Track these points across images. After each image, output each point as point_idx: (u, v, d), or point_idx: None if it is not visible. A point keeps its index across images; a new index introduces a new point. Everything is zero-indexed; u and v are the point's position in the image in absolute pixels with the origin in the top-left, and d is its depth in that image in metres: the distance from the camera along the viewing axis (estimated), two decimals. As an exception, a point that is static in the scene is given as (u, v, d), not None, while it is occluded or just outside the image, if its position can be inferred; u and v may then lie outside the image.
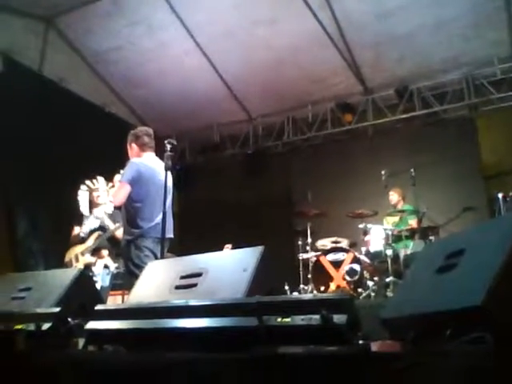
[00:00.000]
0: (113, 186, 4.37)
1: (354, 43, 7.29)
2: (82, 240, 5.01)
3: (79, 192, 5.06)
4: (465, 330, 1.34)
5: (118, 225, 4.79)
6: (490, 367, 1.16)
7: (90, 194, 5.02)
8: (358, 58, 7.55)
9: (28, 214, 6.53)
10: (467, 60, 7.31)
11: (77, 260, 4.96)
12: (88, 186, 4.92)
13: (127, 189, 3.88)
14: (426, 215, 5.96)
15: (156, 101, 8.38)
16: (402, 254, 5.91)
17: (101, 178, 4.68)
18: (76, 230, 5.12)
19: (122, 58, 7.67)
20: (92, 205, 5.10)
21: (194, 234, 7.96)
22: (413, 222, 6.39)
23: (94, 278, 4.65)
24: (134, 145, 4.17)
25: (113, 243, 4.95)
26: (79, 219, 5.18)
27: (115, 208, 4.41)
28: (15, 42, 6.63)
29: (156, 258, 3.68)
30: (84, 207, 5.08)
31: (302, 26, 6.99)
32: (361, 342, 1.55)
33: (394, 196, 6.68)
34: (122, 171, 4.09)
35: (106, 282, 4.92)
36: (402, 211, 6.30)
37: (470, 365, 1.20)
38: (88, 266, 4.82)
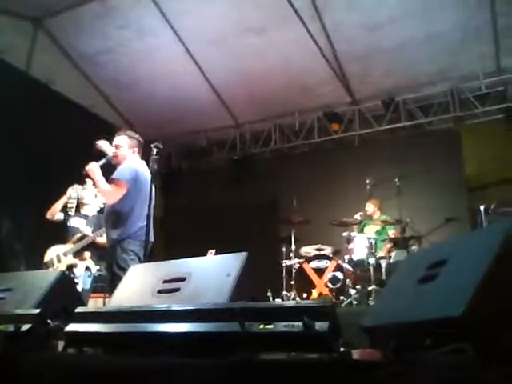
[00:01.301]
0: (87, 175, 4.22)
1: (343, 54, 7.36)
2: (61, 223, 4.98)
3: (68, 192, 5.03)
4: (445, 341, 1.35)
5: (98, 232, 4.77)
6: (469, 378, 1.18)
7: (77, 196, 4.99)
8: (346, 69, 7.62)
9: (11, 214, 6.44)
10: (453, 74, 7.42)
11: (59, 260, 4.91)
12: (75, 189, 4.89)
13: (124, 188, 3.86)
14: (409, 225, 6.02)
15: (144, 104, 8.35)
16: (384, 263, 5.96)
17: (89, 181, 4.63)
18: (51, 211, 5.08)
19: (110, 61, 7.63)
20: (78, 204, 5.07)
21: (178, 239, 7.94)
22: (391, 233, 6.46)
23: (76, 280, 4.61)
24: (127, 145, 4.13)
25: (94, 247, 4.93)
26: (66, 218, 5.16)
27: (99, 212, 4.37)
28: (3, 41, 6.57)
29: (140, 262, 3.65)
30: (71, 208, 5.05)
31: (291, 35, 7.04)
32: (342, 349, 1.56)
33: (370, 207, 6.77)
34: (99, 161, 4.02)
35: (88, 285, 4.88)
36: (384, 221, 6.35)
37: (449, 375, 1.21)
38: (70, 268, 4.78)
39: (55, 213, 5.17)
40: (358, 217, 6.52)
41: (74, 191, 4.97)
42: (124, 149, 4.13)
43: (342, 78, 7.73)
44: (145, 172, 4.02)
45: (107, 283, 4.04)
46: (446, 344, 1.34)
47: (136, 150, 4.16)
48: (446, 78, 7.49)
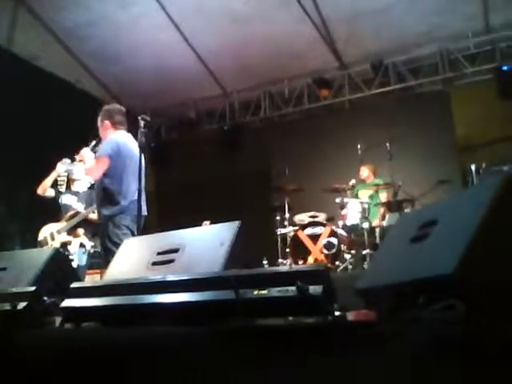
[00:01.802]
0: (80, 161, 4.25)
1: (330, 18, 7.24)
2: (53, 199, 4.97)
3: (57, 168, 4.98)
4: (437, 299, 1.37)
5: (90, 209, 4.76)
6: (460, 334, 1.19)
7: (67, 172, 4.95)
8: (333, 33, 7.52)
9: (3, 194, 6.40)
10: (441, 34, 7.34)
11: (52, 238, 4.91)
12: (65, 163, 4.84)
13: (105, 162, 3.82)
14: (401, 188, 6.04)
15: (130, 77, 8.22)
16: (377, 226, 6.01)
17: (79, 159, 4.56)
18: (42, 186, 5.06)
19: (94, 34, 7.47)
20: (69, 181, 5.04)
21: (171, 211, 7.94)
22: (383, 196, 6.50)
23: (70, 257, 4.61)
24: (107, 122, 4.09)
25: (87, 224, 4.92)
26: (58, 195, 5.13)
27: (89, 188, 4.35)
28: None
29: (133, 236, 3.65)
30: (61, 185, 5.01)
31: (277, 0, 6.90)
32: (337, 312, 1.58)
33: (364, 171, 6.78)
34: (90, 144, 4.03)
35: (83, 261, 4.89)
36: (377, 185, 6.37)
37: (440, 332, 1.22)
38: (64, 245, 4.78)
39: (46, 188, 5.13)
40: (351, 183, 6.54)
41: (63, 166, 4.92)
42: (104, 127, 4.09)
43: (329, 42, 7.63)
44: (129, 144, 3.97)
45: (102, 259, 4.05)
46: (439, 301, 1.36)
47: (118, 123, 4.08)
48: (434, 38, 7.40)
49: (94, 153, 4.03)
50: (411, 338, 1.25)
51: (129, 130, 4.16)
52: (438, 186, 5.78)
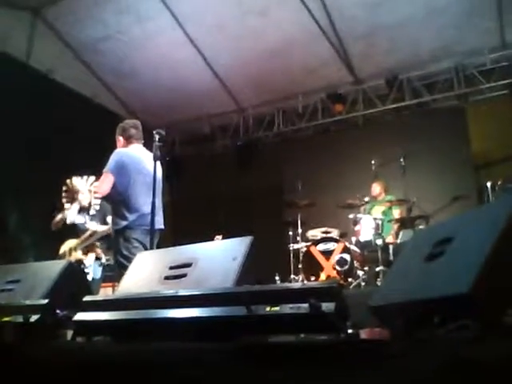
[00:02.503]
0: (95, 192, 4.26)
1: (345, 33, 7.27)
2: (71, 232, 4.97)
3: (63, 193, 4.99)
4: (452, 318, 1.35)
5: (106, 227, 4.75)
6: (476, 355, 1.17)
7: (71, 192, 4.92)
8: (348, 49, 7.53)
9: (19, 207, 6.47)
10: (457, 49, 7.32)
11: (70, 254, 4.93)
12: (67, 185, 4.84)
13: (111, 179, 3.83)
14: (416, 204, 5.98)
15: (145, 92, 8.31)
16: (391, 243, 5.96)
17: (77, 179, 4.47)
18: (58, 220, 5.06)
19: (110, 49, 7.58)
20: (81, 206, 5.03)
21: (184, 225, 7.95)
22: (396, 212, 6.44)
23: (86, 270, 4.62)
24: (120, 137, 4.12)
25: (103, 237, 4.93)
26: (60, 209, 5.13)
27: (102, 201, 4.34)
28: (2, 32, 6.53)
29: (145, 249, 3.65)
30: (66, 203, 5.01)
31: (292, 16, 6.96)
32: (350, 330, 1.56)
33: (375, 188, 6.72)
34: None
35: (98, 274, 4.89)
36: (391, 201, 6.32)
37: (454, 352, 1.20)
38: (79, 262, 4.79)
39: (58, 226, 5.11)
40: (366, 199, 6.51)
41: (71, 215, 4.94)
42: (119, 141, 4.13)
43: (344, 57, 7.65)
44: (139, 158, 3.97)
45: (115, 272, 4.05)
46: (453, 321, 1.34)
47: (132, 138, 4.08)
48: (449, 54, 7.38)
49: None
50: (425, 357, 1.23)
51: (144, 145, 4.19)
52: (453, 202, 5.71)
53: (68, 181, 4.63)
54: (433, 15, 6.73)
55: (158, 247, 3.81)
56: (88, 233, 4.94)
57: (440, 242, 1.66)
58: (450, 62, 7.52)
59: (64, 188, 4.69)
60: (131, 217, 3.79)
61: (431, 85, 7.82)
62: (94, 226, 4.91)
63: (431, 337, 1.34)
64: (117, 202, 3.88)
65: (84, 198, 4.73)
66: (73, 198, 4.77)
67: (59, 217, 4.98)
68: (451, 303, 1.36)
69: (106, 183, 3.84)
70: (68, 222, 4.96)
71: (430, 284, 1.53)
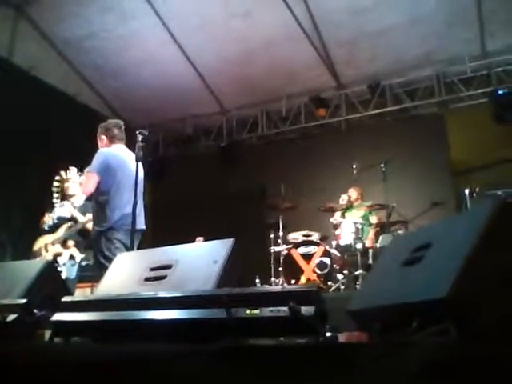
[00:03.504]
0: (81, 184, 4.28)
1: (329, 39, 7.33)
2: (50, 229, 4.92)
3: (54, 182, 4.96)
4: (430, 322, 1.37)
5: (88, 217, 4.72)
6: (453, 359, 1.19)
7: (62, 184, 4.92)
8: (332, 54, 7.60)
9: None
10: (438, 58, 7.44)
11: (46, 250, 4.86)
12: (61, 176, 4.82)
13: (95, 178, 3.81)
14: (395, 209, 6.05)
15: (129, 91, 8.26)
16: (370, 248, 6.01)
17: (73, 169, 4.56)
18: (46, 217, 5.03)
19: (94, 47, 7.53)
20: (64, 195, 5.00)
21: (166, 226, 7.90)
22: (375, 218, 6.50)
23: (59, 269, 4.56)
24: (103, 136, 4.10)
25: (83, 235, 4.88)
26: (51, 208, 5.09)
27: (86, 200, 4.32)
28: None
29: (127, 250, 3.63)
30: (56, 197, 4.98)
31: (276, 19, 6.99)
32: (328, 333, 1.57)
33: (353, 193, 6.77)
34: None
35: (72, 274, 4.83)
36: (371, 205, 6.37)
37: (433, 357, 1.22)
38: (57, 256, 4.74)
39: (47, 223, 5.09)
40: (342, 201, 6.56)
41: (54, 214, 4.91)
42: (102, 140, 4.11)
43: (327, 62, 7.71)
44: (122, 158, 3.96)
45: (94, 272, 4.02)
46: (431, 325, 1.36)
47: (114, 138, 4.07)
48: (431, 61, 7.50)
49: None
50: (403, 361, 1.24)
51: (127, 144, 4.17)
52: (431, 208, 5.80)
53: (62, 172, 4.62)
54: (415, 24, 6.83)
55: (138, 248, 3.79)
56: (68, 224, 4.89)
57: (419, 248, 1.68)
58: (432, 70, 7.65)
59: (57, 178, 4.66)
60: (114, 217, 3.77)
61: (413, 91, 7.93)
62: (76, 214, 4.85)
63: (409, 341, 1.36)
64: (100, 202, 3.85)
65: (72, 187, 4.72)
66: (63, 191, 4.76)
67: (49, 216, 4.95)
68: (429, 308, 1.38)
69: (90, 183, 3.82)
70: (56, 220, 4.93)
71: (408, 289, 1.55)
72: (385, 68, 7.67)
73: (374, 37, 7.09)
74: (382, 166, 6.17)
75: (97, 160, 3.87)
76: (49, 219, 4.96)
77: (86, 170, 4.04)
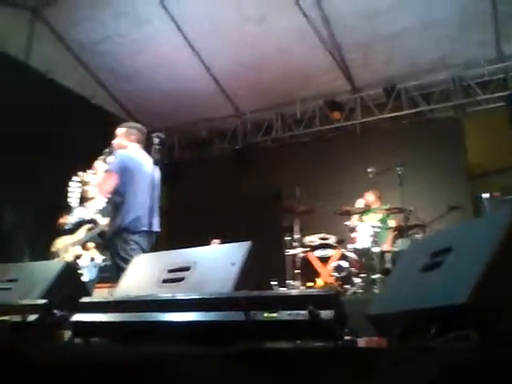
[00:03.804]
0: (94, 174, 4.27)
1: (343, 42, 7.32)
2: (69, 230, 4.97)
3: (70, 183, 5.01)
4: (451, 328, 1.36)
5: (107, 220, 4.76)
6: (474, 365, 1.18)
7: (82, 186, 4.97)
8: (346, 57, 7.59)
9: (14, 207, 6.46)
10: (455, 61, 7.38)
11: (66, 251, 4.91)
12: (80, 177, 4.87)
13: (114, 179, 3.81)
14: (413, 213, 6.00)
15: (144, 95, 8.32)
16: (388, 251, 5.97)
17: (91, 172, 4.58)
18: (65, 218, 5.08)
19: (109, 51, 7.60)
20: (83, 198, 5.06)
21: (181, 229, 7.93)
22: (393, 222, 6.45)
23: (80, 271, 4.61)
24: (122, 138, 4.11)
25: (103, 237, 4.92)
26: (68, 210, 5.15)
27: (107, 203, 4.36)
28: (1, 31, 6.53)
29: (143, 252, 3.65)
30: (73, 198, 5.03)
31: (291, 23, 7.00)
32: (347, 337, 1.57)
33: (370, 197, 6.72)
34: (102, 157, 4.05)
35: (93, 275, 4.88)
36: (388, 209, 6.33)
37: (453, 362, 1.21)
38: (78, 258, 4.79)
39: (64, 224, 5.15)
40: (358, 205, 6.52)
41: (74, 188, 4.95)
42: (119, 138, 4.10)
43: (342, 66, 7.70)
44: (140, 161, 3.97)
45: (112, 273, 4.05)
46: (451, 331, 1.35)
47: (134, 138, 4.10)
48: (447, 65, 7.45)
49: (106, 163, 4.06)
50: (423, 366, 1.24)
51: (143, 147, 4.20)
52: (448, 212, 5.74)
53: (80, 173, 4.65)
54: (430, 27, 6.79)
55: (152, 250, 3.80)
56: (88, 226, 4.94)
57: (438, 252, 1.67)
58: (447, 73, 7.59)
59: (75, 179, 4.68)
60: (130, 219, 3.77)
61: (429, 95, 7.88)
62: (96, 217, 4.89)
63: (429, 346, 1.35)
64: (116, 203, 3.86)
65: (92, 190, 4.75)
66: (82, 194, 4.80)
67: (68, 217, 5.00)
68: (449, 313, 1.37)
69: (108, 183, 3.83)
70: (74, 214, 4.98)
71: (427, 294, 1.54)
72: (400, 71, 7.63)
73: (388, 40, 7.06)
74: (398, 169, 6.13)
75: (115, 161, 3.89)
76: (68, 220, 5.02)
77: (98, 165, 4.05)
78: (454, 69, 7.51)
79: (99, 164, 4.05)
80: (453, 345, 1.33)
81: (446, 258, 1.59)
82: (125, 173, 3.84)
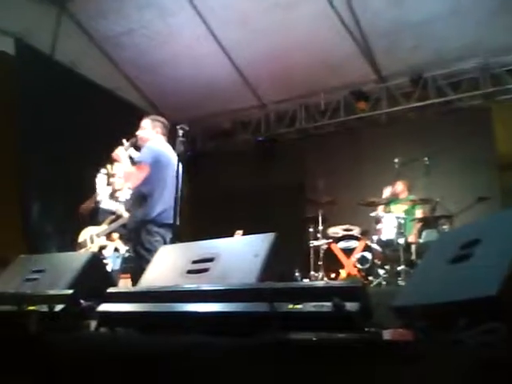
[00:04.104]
0: (115, 160, 4.28)
1: (369, 30, 7.19)
2: (93, 219, 5.05)
3: (97, 175, 5.10)
4: (479, 321, 1.33)
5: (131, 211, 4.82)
6: (503, 358, 1.15)
7: (108, 178, 5.05)
8: (372, 46, 7.46)
9: (41, 197, 6.58)
10: (483, 48, 7.18)
11: (92, 241, 5.00)
12: (107, 169, 4.94)
13: (146, 171, 3.86)
14: (439, 204, 5.90)
15: (168, 86, 8.35)
16: (413, 243, 5.89)
17: (119, 164, 4.61)
18: (86, 205, 5.17)
19: (133, 43, 7.64)
20: (110, 189, 5.14)
21: (205, 220, 7.98)
22: (419, 212, 6.36)
23: (105, 261, 4.68)
24: (150, 130, 4.14)
25: (123, 229, 4.99)
26: (94, 199, 5.24)
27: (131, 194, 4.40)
28: (28, 25, 6.61)
29: (165, 243, 3.68)
30: (100, 190, 5.11)
31: (316, 12, 6.90)
32: (372, 329, 1.55)
33: (399, 185, 6.62)
34: (124, 146, 4.05)
35: (117, 266, 4.95)
36: (413, 200, 6.24)
37: (482, 355, 1.19)
38: (102, 249, 4.86)
39: (88, 209, 5.24)
40: (387, 192, 6.44)
41: (101, 180, 5.03)
42: (146, 130, 4.13)
43: (368, 54, 7.58)
44: (168, 154, 4.01)
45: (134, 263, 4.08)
46: (479, 324, 1.32)
47: (159, 130, 4.14)
48: (475, 52, 7.25)
49: (131, 157, 4.07)
50: (451, 361, 1.21)
51: (167, 140, 4.22)
52: (476, 203, 5.63)
53: (109, 166, 4.68)
54: (458, 13, 6.62)
55: (174, 242, 3.83)
56: (112, 217, 5.01)
57: (467, 244, 1.63)
58: (476, 61, 7.39)
59: (102, 171, 4.71)
60: (156, 210, 3.82)
61: (456, 83, 7.69)
62: (121, 208, 4.96)
63: (457, 339, 1.32)
64: (144, 194, 3.89)
65: (118, 182, 4.81)
66: (109, 185, 4.86)
67: (90, 201, 5.08)
68: (478, 306, 1.34)
69: (141, 174, 3.87)
70: (101, 205, 5.05)
71: (456, 286, 1.51)
72: (427, 59, 7.47)
73: (415, 27, 6.91)
74: (426, 159, 6.02)
75: (148, 153, 3.93)
76: (90, 208, 5.09)
77: (120, 152, 4.05)
78: (483, 56, 7.32)
79: (122, 153, 4.05)
80: (482, 338, 1.30)
81: (474, 250, 1.56)
82: (156, 165, 3.89)
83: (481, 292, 1.33)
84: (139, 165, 3.91)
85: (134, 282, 3.37)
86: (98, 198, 5.20)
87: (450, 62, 7.51)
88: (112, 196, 5.19)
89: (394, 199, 6.58)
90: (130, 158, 4.05)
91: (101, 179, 5.10)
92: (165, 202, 3.84)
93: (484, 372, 1.14)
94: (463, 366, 1.19)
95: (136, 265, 3.77)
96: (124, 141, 4.09)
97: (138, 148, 4.10)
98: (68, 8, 7.18)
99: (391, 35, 7.16)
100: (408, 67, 7.61)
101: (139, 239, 3.80)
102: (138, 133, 4.12)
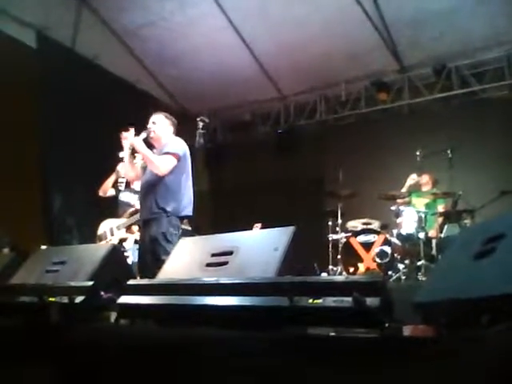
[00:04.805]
0: (123, 138, 4.21)
1: (392, 20, 7.08)
2: (113, 212, 5.09)
3: (117, 167, 5.13)
4: (504, 317, 1.30)
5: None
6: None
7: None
8: (394, 35, 7.34)
9: (63, 189, 6.66)
10: (509, 38, 7.02)
11: (112, 234, 5.05)
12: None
13: (174, 162, 3.87)
14: (461, 198, 5.80)
15: (188, 78, 8.35)
16: (434, 237, 5.81)
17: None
18: (106, 184, 5.22)
19: (153, 35, 7.66)
20: (128, 182, 5.17)
21: (224, 213, 8.00)
22: (441, 206, 6.26)
23: (126, 254, 4.72)
24: (171, 127, 4.14)
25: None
26: (116, 190, 5.30)
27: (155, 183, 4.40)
28: (49, 18, 6.67)
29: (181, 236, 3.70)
30: (120, 183, 5.15)
31: (337, 1, 6.83)
32: (393, 325, 1.53)
33: (425, 178, 6.49)
34: (141, 135, 3.97)
35: (137, 258, 4.98)
36: (434, 193, 6.14)
37: (506, 352, 1.16)
38: (122, 241, 4.90)
39: (107, 190, 5.31)
40: (411, 180, 6.35)
41: (122, 168, 5.05)
42: (160, 126, 4.11)
43: (390, 44, 7.46)
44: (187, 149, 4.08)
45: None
46: (503, 321, 1.29)
47: (172, 129, 4.16)
48: (501, 42, 7.09)
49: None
50: (475, 357, 1.19)
51: (185, 130, 4.22)
52: (500, 197, 5.51)
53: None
54: (483, 2, 6.48)
55: (193, 234, 3.86)
56: (131, 210, 5.04)
57: (491, 239, 1.59)
58: (501, 51, 7.23)
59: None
60: (183, 203, 3.87)
61: (481, 74, 7.53)
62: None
63: (480, 336, 1.30)
64: (166, 186, 3.89)
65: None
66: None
67: (108, 181, 5.11)
68: (503, 302, 1.31)
69: (169, 165, 3.86)
70: (120, 198, 5.09)
71: (479, 282, 1.48)
72: (451, 49, 7.32)
73: (438, 16, 6.77)
74: (449, 152, 5.91)
75: (179, 146, 3.98)
76: (111, 191, 5.13)
77: (128, 135, 4.02)
78: (508, 46, 7.15)
79: (130, 136, 4.00)
80: (506, 335, 1.27)
81: (499, 244, 1.52)
82: (184, 158, 3.95)
83: (505, 288, 1.30)
84: (171, 154, 3.88)
85: (147, 271, 3.41)
86: (120, 187, 5.24)
87: (475, 52, 7.36)
88: (128, 187, 5.22)
89: (415, 191, 6.48)
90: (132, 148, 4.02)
91: (120, 172, 5.14)
92: (189, 196, 3.94)
93: (508, 369, 1.12)
94: (486, 363, 1.17)
95: (154, 257, 3.72)
96: (131, 128, 4.03)
97: (145, 141, 4.02)
98: (88, 1, 7.22)
99: (415, 24, 7.03)
100: (431, 57, 7.48)
101: (161, 229, 3.76)
102: (153, 128, 4.07)
